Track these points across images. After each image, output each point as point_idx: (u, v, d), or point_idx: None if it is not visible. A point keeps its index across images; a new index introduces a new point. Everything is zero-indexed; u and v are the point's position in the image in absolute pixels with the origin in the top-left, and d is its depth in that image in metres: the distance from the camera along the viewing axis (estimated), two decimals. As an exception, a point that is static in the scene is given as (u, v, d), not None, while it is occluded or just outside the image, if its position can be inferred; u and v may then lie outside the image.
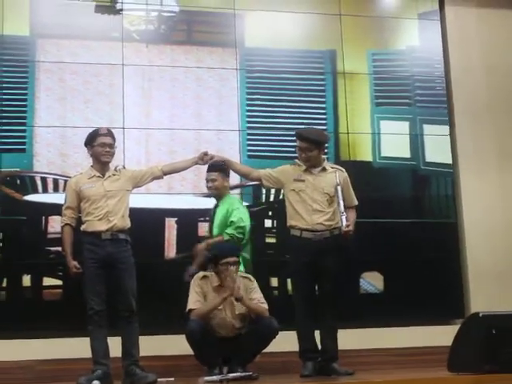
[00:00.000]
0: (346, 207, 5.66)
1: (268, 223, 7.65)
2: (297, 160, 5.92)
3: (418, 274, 7.50)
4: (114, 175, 5.68)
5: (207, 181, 6.20)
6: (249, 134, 7.66)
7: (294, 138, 5.94)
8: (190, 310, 5.82)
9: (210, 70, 7.74)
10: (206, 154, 5.97)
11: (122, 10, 7.64)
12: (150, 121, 7.53)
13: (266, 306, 5.91)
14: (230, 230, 5.96)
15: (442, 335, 6.24)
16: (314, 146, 5.78)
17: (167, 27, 7.82)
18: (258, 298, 5.92)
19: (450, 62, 8.19)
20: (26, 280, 6.72)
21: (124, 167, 5.86)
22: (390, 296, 7.55)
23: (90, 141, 5.69)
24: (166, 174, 5.96)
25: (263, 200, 7.59)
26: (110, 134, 5.71)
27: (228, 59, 7.80)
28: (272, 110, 7.75)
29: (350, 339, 6.18)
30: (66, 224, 5.61)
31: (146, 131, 7.48)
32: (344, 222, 5.58)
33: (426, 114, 8.08)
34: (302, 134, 5.88)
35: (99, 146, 5.64)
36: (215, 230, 6.12)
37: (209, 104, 7.70)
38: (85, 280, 5.49)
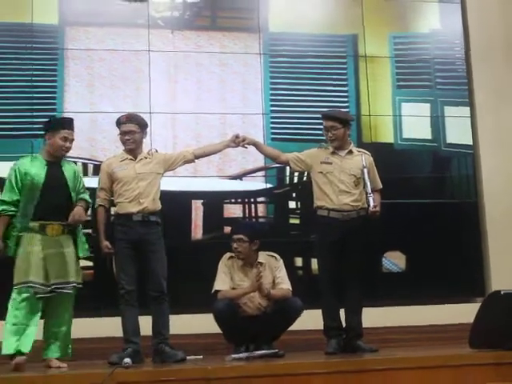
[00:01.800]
0: (372, 189, 5.69)
1: (292, 204, 7.64)
2: (323, 143, 5.94)
3: (439, 253, 7.47)
4: (145, 158, 5.70)
5: None
6: (272, 118, 7.66)
7: (317, 121, 5.99)
8: (217, 291, 5.88)
9: (234, 55, 7.73)
10: (237, 136, 5.97)
11: (147, -3, 7.65)
12: (176, 105, 7.54)
13: (288, 285, 5.95)
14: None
15: (464, 313, 6.22)
16: (339, 125, 5.81)
17: (192, 13, 7.81)
18: (281, 277, 5.95)
19: (470, 45, 8.12)
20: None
21: (157, 151, 5.84)
22: (412, 275, 7.54)
23: (118, 128, 5.72)
24: (197, 157, 5.96)
25: (287, 182, 7.58)
26: (129, 120, 5.68)
27: (252, 44, 7.78)
28: (295, 93, 7.72)
29: (373, 317, 6.18)
30: (100, 205, 5.65)
31: (172, 115, 7.49)
32: (371, 203, 5.62)
33: (447, 96, 8.03)
34: (326, 114, 5.95)
35: (121, 134, 5.68)
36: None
37: (233, 88, 7.70)
38: (116, 260, 5.54)
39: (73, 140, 5.50)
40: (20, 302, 5.16)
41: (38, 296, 5.19)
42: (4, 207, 5.28)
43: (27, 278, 5.16)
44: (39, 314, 5.27)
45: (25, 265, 5.20)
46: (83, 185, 5.58)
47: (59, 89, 7.32)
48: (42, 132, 5.56)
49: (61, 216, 5.33)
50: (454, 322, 6.80)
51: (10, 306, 5.19)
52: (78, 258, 5.45)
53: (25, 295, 5.16)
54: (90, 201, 5.57)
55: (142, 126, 5.74)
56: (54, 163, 5.42)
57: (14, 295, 5.20)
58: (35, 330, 5.22)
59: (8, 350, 5.12)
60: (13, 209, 5.29)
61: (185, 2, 7.79)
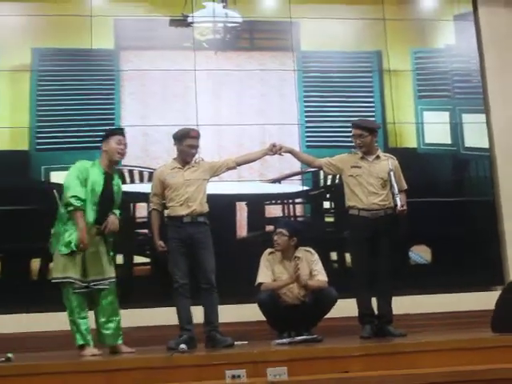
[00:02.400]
0: (398, 190, 5.66)
1: (326, 205, 7.61)
2: (353, 149, 5.91)
3: (461, 246, 7.40)
4: (193, 166, 5.68)
5: None
6: (307, 127, 7.64)
7: (347, 129, 5.97)
8: (260, 284, 5.88)
9: (271, 71, 7.74)
10: (274, 145, 5.94)
11: (192, 22, 7.68)
12: (220, 118, 7.56)
13: (324, 277, 5.94)
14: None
15: (485, 300, 6.16)
16: (366, 133, 5.78)
17: (232, 36, 7.84)
18: (317, 270, 5.94)
19: (484, 58, 8.04)
20: (119, 259, 6.80)
21: (202, 159, 5.84)
22: (436, 266, 7.49)
23: (180, 138, 5.65)
24: (239, 164, 5.94)
25: (321, 184, 7.56)
26: (198, 136, 5.68)
27: (286, 62, 7.78)
28: (326, 104, 7.71)
29: (402, 305, 6.11)
30: (154, 209, 5.66)
31: (217, 127, 7.51)
32: (399, 203, 5.59)
33: (465, 105, 7.95)
34: (355, 123, 5.89)
35: (187, 146, 5.63)
36: None
37: (271, 101, 7.71)
38: (170, 257, 5.55)
39: (126, 145, 5.46)
40: (67, 296, 5.17)
41: (77, 291, 5.17)
42: (82, 203, 5.16)
43: (66, 274, 5.15)
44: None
45: (68, 261, 5.16)
46: (120, 201, 5.53)
47: (116, 105, 7.39)
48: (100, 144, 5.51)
49: (103, 221, 5.31)
50: (476, 308, 6.71)
51: (65, 301, 5.20)
52: (110, 256, 5.41)
53: (69, 290, 5.15)
54: (119, 216, 5.48)
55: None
56: (109, 174, 5.40)
57: (62, 290, 5.18)
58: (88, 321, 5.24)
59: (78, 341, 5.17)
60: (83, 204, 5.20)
61: (226, 26, 7.81)
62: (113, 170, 5.46)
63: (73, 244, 5.12)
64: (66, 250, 5.12)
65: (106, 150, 5.38)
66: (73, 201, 5.13)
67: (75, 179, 5.21)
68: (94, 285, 5.25)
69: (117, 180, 5.50)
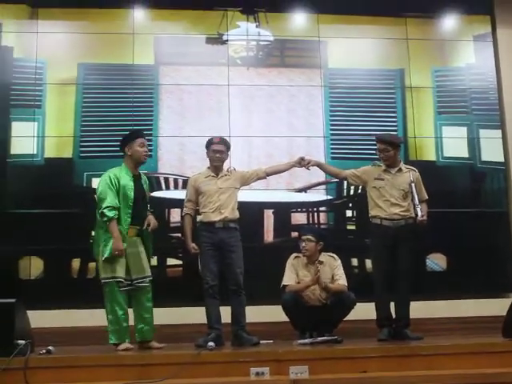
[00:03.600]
0: (419, 200, 5.61)
1: (349, 213, 7.56)
2: (376, 161, 5.89)
3: (475, 254, 7.30)
4: (225, 175, 5.70)
5: None
6: (332, 140, 7.59)
7: (370, 143, 5.95)
8: (285, 286, 5.87)
9: (299, 87, 7.72)
10: (302, 158, 5.92)
11: (227, 40, 7.70)
12: (251, 130, 7.55)
13: (344, 282, 5.91)
14: None
15: (497, 307, 6.11)
16: (390, 147, 5.74)
17: (264, 53, 7.83)
18: (339, 275, 5.92)
19: (501, 77, 7.93)
20: (153, 260, 6.81)
21: (234, 169, 5.85)
22: (452, 273, 7.39)
23: (207, 146, 5.72)
24: (268, 175, 5.94)
25: (344, 194, 7.52)
26: (222, 142, 5.71)
27: (314, 78, 7.75)
28: (351, 119, 7.66)
29: (419, 309, 6.07)
30: (187, 214, 5.68)
31: (248, 138, 7.51)
32: (419, 213, 5.56)
33: (482, 120, 7.85)
34: (380, 138, 5.86)
35: (212, 152, 5.68)
36: None
37: (299, 115, 7.68)
38: (201, 260, 5.56)
39: (148, 146, 5.50)
40: (112, 294, 5.18)
41: (122, 289, 5.20)
42: (115, 212, 5.19)
43: (114, 274, 5.16)
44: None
45: (113, 262, 5.17)
46: (149, 197, 5.59)
47: (155, 117, 7.42)
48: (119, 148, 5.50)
49: (140, 221, 5.34)
50: (489, 314, 6.64)
51: (106, 300, 5.21)
52: (147, 256, 5.42)
53: (115, 288, 5.17)
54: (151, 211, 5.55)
55: (228, 147, 5.77)
56: (137, 176, 5.42)
57: (106, 289, 5.19)
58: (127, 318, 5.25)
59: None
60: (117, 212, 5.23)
61: (258, 44, 7.82)
62: (138, 171, 5.48)
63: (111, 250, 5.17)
64: (109, 254, 5.14)
65: (130, 154, 5.38)
66: (106, 211, 5.17)
67: (108, 189, 5.23)
68: (137, 283, 5.28)
69: (144, 178, 5.54)
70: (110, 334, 5.18)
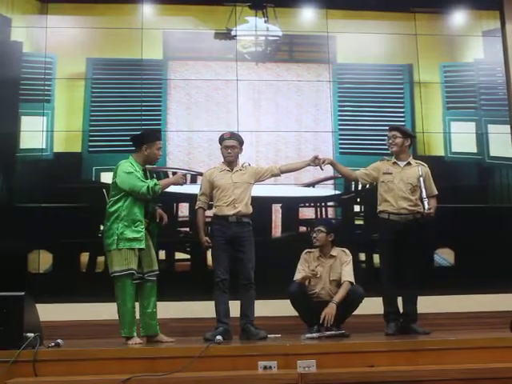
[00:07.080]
0: (427, 195, 5.60)
1: (357, 208, 7.54)
2: (385, 157, 5.88)
3: (483, 250, 7.27)
4: (240, 170, 5.71)
5: None
6: (340, 135, 7.58)
7: (378, 137, 5.97)
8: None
9: (307, 82, 7.71)
10: (317, 157, 5.86)
11: (236, 36, 7.69)
12: (260, 125, 7.56)
13: (349, 278, 5.83)
14: None
15: (505, 302, 6.08)
16: (399, 134, 5.76)
17: (272, 48, 7.82)
18: (346, 270, 5.87)
19: (510, 72, 7.90)
20: (162, 254, 6.83)
21: (249, 164, 5.85)
22: (459, 268, 7.36)
23: (220, 142, 5.74)
24: (283, 172, 5.93)
25: (352, 189, 7.50)
26: (233, 137, 5.71)
27: (322, 73, 7.74)
28: (359, 114, 7.64)
29: (427, 304, 6.05)
30: (200, 207, 5.68)
31: (257, 133, 7.51)
32: (426, 206, 5.56)
33: (490, 116, 7.83)
34: (392, 125, 5.90)
35: (224, 148, 5.69)
36: None
37: (307, 110, 7.67)
38: (213, 253, 5.56)
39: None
40: (125, 287, 5.16)
41: (134, 282, 5.19)
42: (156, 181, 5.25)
43: (129, 266, 5.14)
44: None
45: (126, 254, 5.16)
46: None
47: (163, 112, 7.43)
48: (131, 142, 5.49)
49: (148, 216, 5.32)
50: (496, 309, 6.64)
51: (118, 292, 5.19)
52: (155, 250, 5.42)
53: (128, 281, 5.16)
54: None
55: (241, 142, 5.76)
56: (146, 170, 5.42)
57: (119, 282, 5.16)
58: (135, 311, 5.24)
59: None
60: None
61: (267, 39, 7.81)
62: (145, 166, 5.47)
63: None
64: (125, 246, 5.13)
65: (147, 154, 5.35)
66: (157, 188, 5.21)
67: (135, 171, 5.22)
68: (148, 276, 5.28)
69: (150, 173, 5.53)
70: (122, 327, 5.16)
